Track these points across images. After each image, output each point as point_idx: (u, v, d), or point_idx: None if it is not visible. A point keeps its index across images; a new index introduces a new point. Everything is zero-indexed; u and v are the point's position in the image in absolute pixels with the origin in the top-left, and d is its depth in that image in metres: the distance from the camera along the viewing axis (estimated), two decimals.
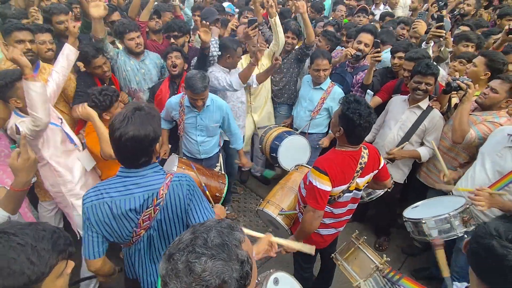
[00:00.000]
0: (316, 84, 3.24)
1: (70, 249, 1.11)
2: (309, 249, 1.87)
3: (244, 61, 3.57)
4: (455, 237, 2.06)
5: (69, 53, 2.51)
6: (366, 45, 3.24)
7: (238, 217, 3.72)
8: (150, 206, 1.45)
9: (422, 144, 2.79)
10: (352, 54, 3.18)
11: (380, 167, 2.06)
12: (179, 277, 0.80)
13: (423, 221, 2.09)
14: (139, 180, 1.45)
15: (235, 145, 3.05)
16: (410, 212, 2.34)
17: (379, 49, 2.93)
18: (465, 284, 1.20)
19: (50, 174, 2.29)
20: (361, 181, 1.98)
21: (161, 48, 3.59)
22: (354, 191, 2.00)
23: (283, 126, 3.63)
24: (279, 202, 2.36)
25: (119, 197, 1.44)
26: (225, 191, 2.60)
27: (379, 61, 2.98)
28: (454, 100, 2.91)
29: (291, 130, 3.45)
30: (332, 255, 2.07)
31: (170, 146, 3.07)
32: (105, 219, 1.45)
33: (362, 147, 1.96)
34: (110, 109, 2.37)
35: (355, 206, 2.14)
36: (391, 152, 2.69)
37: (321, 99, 3.23)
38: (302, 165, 2.71)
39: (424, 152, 2.69)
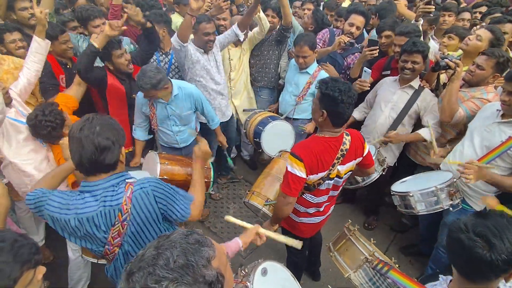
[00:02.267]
0: (302, 68, 3.15)
1: (36, 257, 1.04)
2: (296, 244, 1.83)
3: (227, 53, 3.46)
4: (441, 209, 2.10)
5: (37, 46, 2.31)
6: (358, 28, 3.16)
7: (228, 204, 3.69)
8: (117, 223, 1.35)
9: (415, 125, 2.77)
10: (346, 42, 3.08)
11: (364, 155, 2.00)
12: None
13: (411, 194, 2.13)
14: (100, 195, 1.34)
15: (212, 124, 3.01)
16: (398, 186, 2.37)
17: (377, 47, 2.86)
18: (450, 277, 1.26)
19: (14, 174, 2.15)
20: (343, 169, 1.92)
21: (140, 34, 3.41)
22: (335, 178, 1.95)
23: (268, 111, 3.54)
24: (264, 193, 2.33)
25: (81, 215, 1.33)
26: (212, 175, 2.55)
27: (374, 58, 2.92)
28: (443, 78, 2.89)
29: (276, 115, 3.38)
30: (327, 244, 2.07)
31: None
32: (69, 231, 1.37)
33: (344, 133, 1.89)
34: (65, 123, 2.19)
35: (336, 193, 2.10)
36: (389, 136, 2.63)
37: (307, 84, 3.14)
38: (286, 151, 2.66)
39: (426, 133, 2.62)
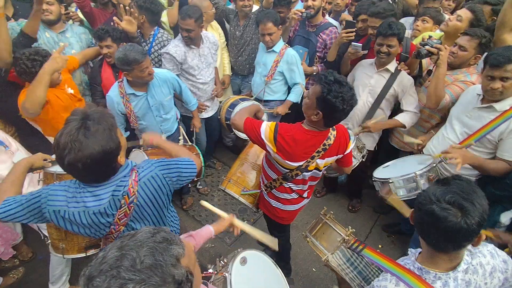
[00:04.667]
0: (269, 48, 3.06)
1: None
2: (272, 242, 1.81)
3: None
4: None
5: None
6: None
7: (212, 192, 3.66)
8: (123, 205, 1.34)
9: (393, 109, 2.72)
10: (301, 14, 2.97)
11: (346, 153, 1.95)
12: None
13: (391, 181, 2.13)
14: (115, 186, 1.34)
15: (189, 106, 2.96)
16: (380, 172, 2.37)
17: (354, 29, 2.74)
18: (419, 250, 1.24)
19: None
20: (321, 162, 1.87)
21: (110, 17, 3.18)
22: (314, 170, 1.91)
23: (242, 95, 3.48)
24: (241, 181, 2.26)
25: (91, 209, 1.31)
26: (202, 160, 2.48)
27: (350, 41, 2.80)
28: (424, 64, 2.81)
29: (247, 97, 3.29)
30: (302, 233, 2.06)
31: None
32: (72, 225, 1.35)
33: (330, 129, 1.82)
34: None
35: (314, 183, 2.09)
36: (366, 126, 2.58)
37: (275, 62, 3.06)
38: None
39: (405, 119, 2.59)
